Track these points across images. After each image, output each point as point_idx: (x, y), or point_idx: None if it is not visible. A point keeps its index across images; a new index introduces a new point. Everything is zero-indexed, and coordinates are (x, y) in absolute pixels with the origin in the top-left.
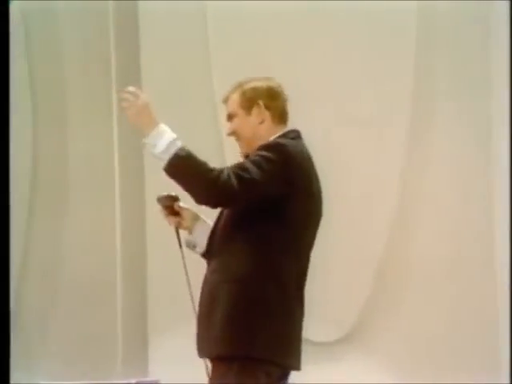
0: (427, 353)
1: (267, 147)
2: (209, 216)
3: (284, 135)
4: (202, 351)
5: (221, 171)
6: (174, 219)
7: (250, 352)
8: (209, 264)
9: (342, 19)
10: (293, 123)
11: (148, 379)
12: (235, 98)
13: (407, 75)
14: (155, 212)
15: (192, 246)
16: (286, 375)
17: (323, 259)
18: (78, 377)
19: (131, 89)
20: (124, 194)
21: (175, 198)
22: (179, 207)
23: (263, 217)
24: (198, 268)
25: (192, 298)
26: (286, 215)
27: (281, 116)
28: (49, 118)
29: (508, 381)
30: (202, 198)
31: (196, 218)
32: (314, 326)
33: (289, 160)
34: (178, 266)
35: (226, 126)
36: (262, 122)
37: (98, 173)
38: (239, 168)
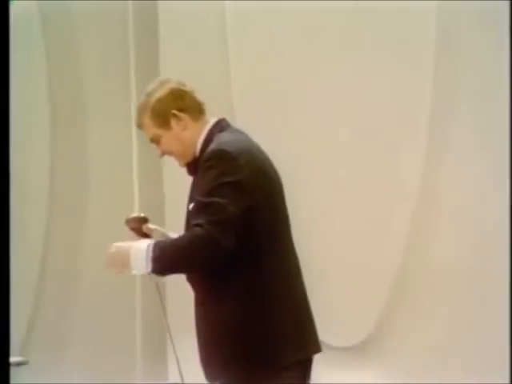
0: (445, 360)
1: (213, 165)
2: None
3: (216, 131)
4: (214, 376)
5: (193, 235)
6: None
7: (275, 364)
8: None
9: (361, 20)
10: (308, 124)
11: (168, 383)
12: (147, 121)
13: (427, 76)
14: (173, 213)
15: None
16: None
17: (341, 265)
18: (97, 381)
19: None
20: (142, 196)
21: (144, 220)
22: (147, 229)
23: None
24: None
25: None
26: (259, 225)
27: (197, 110)
28: (67, 119)
29: (508, 381)
30: (203, 266)
31: (166, 237)
32: (333, 330)
33: (243, 173)
34: None
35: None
36: (184, 129)
37: (116, 175)
38: (210, 213)
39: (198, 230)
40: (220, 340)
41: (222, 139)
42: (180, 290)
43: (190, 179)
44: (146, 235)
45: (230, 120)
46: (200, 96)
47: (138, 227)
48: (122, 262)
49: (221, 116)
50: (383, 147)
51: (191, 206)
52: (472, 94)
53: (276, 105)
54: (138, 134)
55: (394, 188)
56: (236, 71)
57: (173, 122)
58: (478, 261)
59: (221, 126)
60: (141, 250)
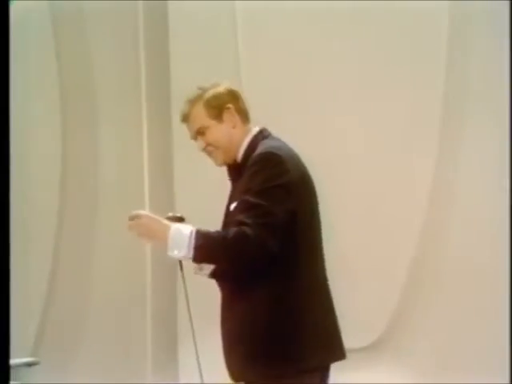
0: (458, 359)
1: (263, 166)
2: None
3: (261, 137)
4: (239, 375)
5: (240, 232)
6: None
7: (301, 366)
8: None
9: (372, 21)
10: (319, 125)
11: (178, 383)
12: (199, 111)
13: (438, 77)
14: (185, 216)
15: (199, 269)
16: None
17: (354, 265)
18: (108, 382)
19: (130, 216)
20: (153, 198)
21: (181, 219)
22: None
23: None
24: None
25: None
26: (299, 229)
27: (246, 115)
28: (78, 119)
29: (508, 381)
30: (244, 264)
31: None
32: (344, 331)
33: (291, 176)
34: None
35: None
36: (234, 127)
37: (127, 176)
38: (258, 215)
39: (245, 228)
40: (250, 340)
41: (270, 144)
42: (192, 294)
43: (199, 181)
44: None
45: None
46: None
47: None
48: (156, 233)
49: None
50: (395, 148)
51: (233, 205)
52: (484, 95)
53: (287, 105)
54: (150, 132)
55: (406, 189)
56: (246, 71)
57: (225, 116)
58: (490, 259)
59: (264, 134)
60: (182, 234)
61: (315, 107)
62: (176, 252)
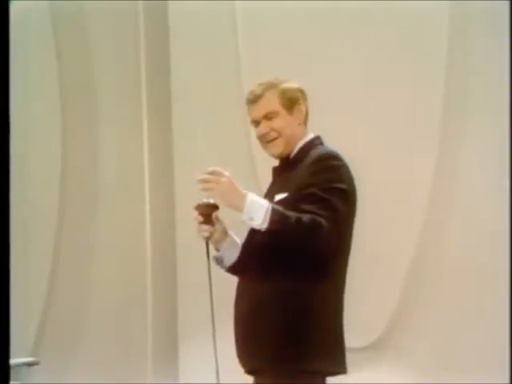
0: (458, 359)
1: (330, 165)
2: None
3: (318, 141)
4: (248, 366)
5: (315, 220)
6: (208, 228)
7: (303, 366)
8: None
9: (373, 21)
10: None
11: (178, 383)
12: (273, 96)
13: (438, 77)
14: (184, 215)
15: (219, 261)
16: None
17: (353, 265)
18: (108, 382)
19: (211, 170)
20: (153, 197)
21: (215, 207)
22: (216, 218)
23: None
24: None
25: (213, 312)
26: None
27: (307, 118)
28: (78, 119)
29: (508, 381)
30: (311, 251)
31: (226, 232)
32: (345, 331)
33: (348, 182)
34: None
35: (258, 127)
36: (299, 124)
37: (127, 176)
38: (328, 208)
39: (320, 218)
40: (267, 327)
41: (330, 149)
42: (192, 295)
43: None
44: (211, 223)
45: (241, 121)
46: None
47: (209, 213)
48: (234, 197)
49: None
50: (396, 147)
51: (281, 195)
52: (485, 95)
53: None
54: (150, 133)
55: (406, 189)
56: (246, 71)
57: (296, 110)
58: (488, 261)
59: (320, 140)
60: (260, 204)
61: (315, 107)
62: (251, 220)
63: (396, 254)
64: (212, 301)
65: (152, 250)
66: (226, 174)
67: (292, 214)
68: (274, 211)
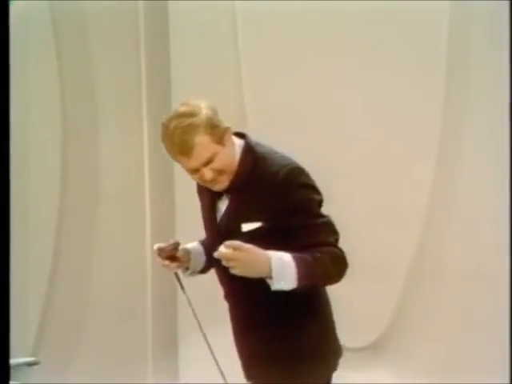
0: (458, 360)
1: (304, 184)
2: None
3: (253, 144)
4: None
5: (335, 254)
6: (177, 265)
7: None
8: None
9: (372, 20)
10: (319, 125)
11: (178, 383)
12: (203, 139)
13: (438, 77)
14: (184, 222)
15: (192, 273)
16: None
17: (353, 265)
18: (108, 382)
19: (228, 243)
20: (154, 197)
21: (177, 244)
22: (180, 251)
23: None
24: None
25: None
26: None
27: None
28: (78, 119)
29: (508, 381)
30: (334, 283)
31: (187, 250)
32: (345, 331)
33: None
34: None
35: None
36: (233, 144)
37: (127, 183)
38: (332, 232)
39: (335, 250)
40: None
41: (280, 157)
42: (192, 294)
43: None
44: (178, 259)
45: (241, 123)
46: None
47: (173, 253)
48: (257, 270)
49: (230, 125)
50: (395, 147)
51: (248, 225)
52: (486, 98)
53: (287, 105)
54: (150, 135)
55: (407, 190)
56: (246, 71)
57: (226, 137)
58: (488, 262)
59: (250, 143)
60: (286, 264)
61: (315, 107)
62: (282, 283)
63: (396, 254)
64: (197, 319)
65: (152, 250)
66: (245, 246)
67: (312, 260)
68: (298, 264)
